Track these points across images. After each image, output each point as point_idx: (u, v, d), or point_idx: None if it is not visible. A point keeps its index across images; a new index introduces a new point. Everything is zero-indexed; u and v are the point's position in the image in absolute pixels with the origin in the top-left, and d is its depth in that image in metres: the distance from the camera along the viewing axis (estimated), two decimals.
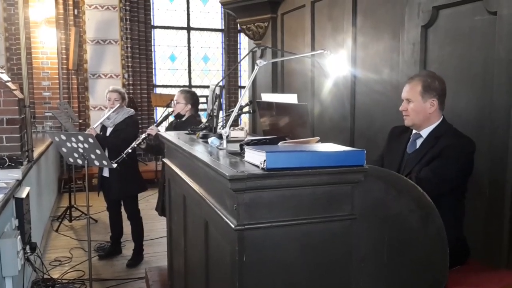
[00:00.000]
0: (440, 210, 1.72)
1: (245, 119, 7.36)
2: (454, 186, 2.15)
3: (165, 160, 2.70)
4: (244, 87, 9.18)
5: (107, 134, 4.24)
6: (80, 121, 7.53)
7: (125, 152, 3.80)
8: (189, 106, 3.94)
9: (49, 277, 3.82)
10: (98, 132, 4.23)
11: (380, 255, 1.64)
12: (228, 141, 2.02)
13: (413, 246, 1.68)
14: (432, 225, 1.70)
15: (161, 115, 4.13)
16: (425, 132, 2.25)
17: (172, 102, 4.06)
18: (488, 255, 2.38)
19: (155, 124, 3.96)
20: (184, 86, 8.78)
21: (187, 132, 2.68)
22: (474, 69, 2.54)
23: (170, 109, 4.07)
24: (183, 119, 3.94)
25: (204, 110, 4.52)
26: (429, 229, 1.70)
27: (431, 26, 2.81)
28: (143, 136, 3.86)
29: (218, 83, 2.37)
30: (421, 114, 2.21)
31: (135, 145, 3.85)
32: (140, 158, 7.30)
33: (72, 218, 5.62)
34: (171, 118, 4.29)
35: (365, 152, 1.56)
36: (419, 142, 2.27)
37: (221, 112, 2.68)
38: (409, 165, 2.24)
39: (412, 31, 2.90)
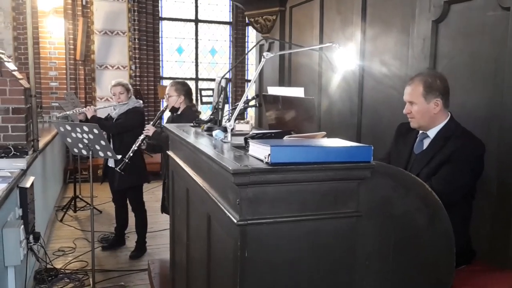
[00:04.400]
0: (448, 209, 1.68)
1: (251, 113, 7.33)
2: (467, 191, 2.11)
3: (169, 153, 2.68)
4: (249, 80, 9.14)
5: None
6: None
7: (126, 156, 3.78)
8: (182, 98, 3.87)
9: (52, 267, 3.83)
10: (101, 117, 4.25)
11: (385, 253, 1.61)
12: (233, 135, 1.99)
13: (419, 245, 1.65)
14: (439, 224, 1.66)
15: (157, 115, 4.06)
16: (432, 132, 2.18)
17: (164, 96, 3.99)
18: (495, 256, 2.34)
19: (152, 124, 3.89)
20: (191, 78, 8.76)
21: (192, 124, 2.65)
22: (485, 65, 2.48)
23: (164, 105, 4.00)
24: (179, 112, 3.87)
25: (210, 103, 4.48)
26: (436, 228, 1.66)
27: (442, 21, 2.75)
28: (142, 137, 3.83)
29: (224, 75, 2.33)
30: (426, 115, 2.15)
31: (136, 148, 3.83)
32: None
33: (77, 209, 5.64)
34: (167, 113, 4.22)
35: (373, 148, 1.53)
36: (426, 142, 2.21)
37: (227, 106, 2.65)
38: (416, 166, 2.18)
39: (423, 26, 2.85)
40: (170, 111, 3.95)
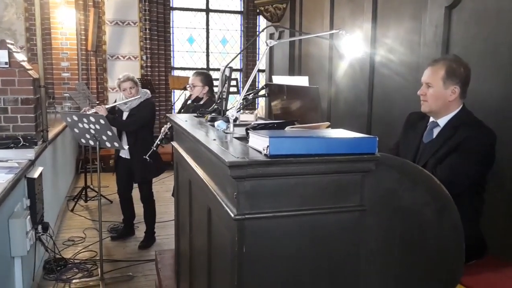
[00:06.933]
0: (457, 202, 1.61)
1: (262, 102, 7.26)
2: (474, 182, 2.03)
3: (174, 144, 2.64)
4: (262, 70, 9.06)
5: (123, 118, 4.21)
6: (98, 102, 7.53)
7: (154, 145, 3.75)
8: (206, 88, 3.90)
9: (61, 257, 3.85)
10: (111, 113, 4.23)
11: (391, 249, 1.55)
12: (237, 125, 1.94)
13: (427, 240, 1.58)
14: (448, 219, 1.59)
15: (181, 104, 4.09)
16: (442, 121, 2.11)
17: (188, 86, 3.99)
18: (507, 251, 2.26)
19: (176, 112, 3.91)
20: (202, 68, 8.71)
21: (196, 115, 2.60)
22: (500, 53, 2.38)
23: (187, 94, 4.02)
24: (201, 102, 3.87)
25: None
26: (444, 222, 1.59)
27: (456, 6, 2.66)
28: (168, 126, 3.80)
29: (228, 64, 2.28)
30: (440, 100, 2.07)
31: (162, 137, 3.80)
32: None
33: (88, 199, 5.66)
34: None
35: (377, 139, 1.46)
36: (436, 131, 2.13)
37: (238, 96, 2.59)
38: (424, 155, 2.11)
39: (435, 12, 2.75)
40: (192, 100, 3.96)
